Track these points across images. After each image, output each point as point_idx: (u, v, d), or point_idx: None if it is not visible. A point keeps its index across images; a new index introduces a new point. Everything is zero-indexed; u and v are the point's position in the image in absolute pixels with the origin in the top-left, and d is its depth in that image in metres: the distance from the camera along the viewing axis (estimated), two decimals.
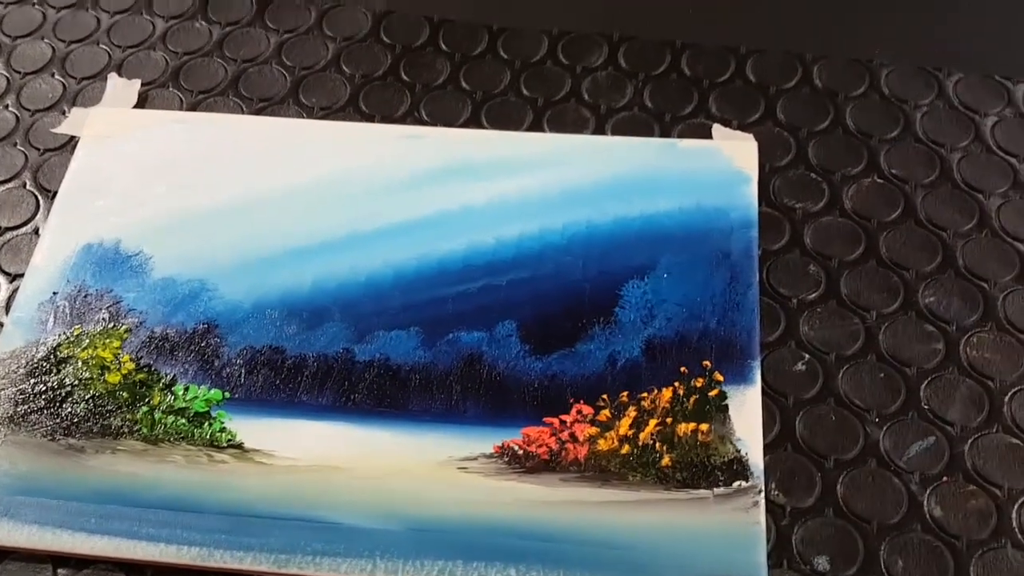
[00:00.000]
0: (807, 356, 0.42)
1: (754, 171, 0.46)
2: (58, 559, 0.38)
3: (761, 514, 0.37)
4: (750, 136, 0.48)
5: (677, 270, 0.43)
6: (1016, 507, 0.38)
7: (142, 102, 0.51)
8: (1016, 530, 0.38)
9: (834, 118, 0.49)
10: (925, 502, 0.38)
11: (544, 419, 0.40)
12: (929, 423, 0.40)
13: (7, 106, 0.51)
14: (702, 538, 0.37)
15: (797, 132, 0.48)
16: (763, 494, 0.38)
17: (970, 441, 0.40)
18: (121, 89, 0.51)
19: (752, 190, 0.45)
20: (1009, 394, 0.41)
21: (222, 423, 0.40)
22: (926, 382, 0.41)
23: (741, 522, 0.37)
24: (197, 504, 0.38)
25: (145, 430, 0.40)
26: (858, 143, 0.48)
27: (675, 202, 0.45)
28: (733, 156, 0.46)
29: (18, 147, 0.50)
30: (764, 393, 0.40)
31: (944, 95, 0.49)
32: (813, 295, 0.43)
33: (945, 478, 0.39)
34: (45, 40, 0.53)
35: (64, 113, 0.50)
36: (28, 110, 0.51)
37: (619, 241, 0.44)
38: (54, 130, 0.50)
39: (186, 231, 0.45)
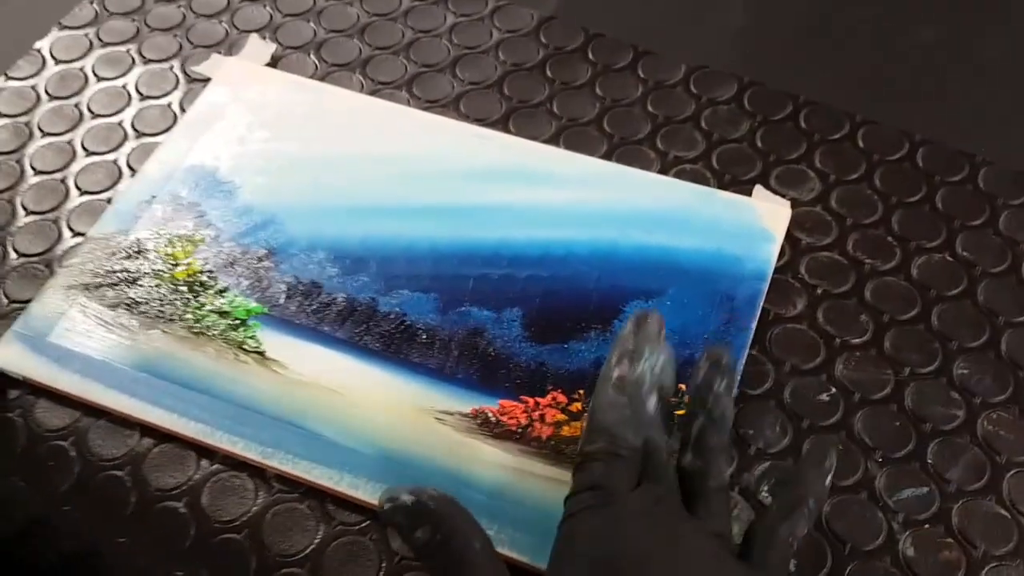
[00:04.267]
0: (833, 390, 0.45)
1: (780, 234, 0.49)
2: (88, 407, 0.45)
3: None
4: (787, 203, 0.51)
5: (681, 301, 0.47)
6: (985, 570, 0.40)
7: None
8: None
9: (925, 195, 0.52)
10: (901, 541, 0.41)
11: (522, 397, 0.44)
12: (928, 476, 0.42)
13: (176, 36, 0.61)
14: None
15: (887, 199, 0.52)
16: None
17: (962, 502, 0.42)
18: (258, 48, 0.59)
19: (772, 249, 0.49)
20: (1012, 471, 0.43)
21: (254, 332, 0.46)
22: (937, 440, 0.43)
23: None
24: (213, 390, 0.44)
25: (192, 321, 0.47)
26: (940, 221, 0.51)
27: (698, 242, 0.49)
28: (764, 216, 0.50)
29: (174, 71, 0.59)
30: (783, 410, 0.44)
31: None
32: (857, 340, 0.47)
33: (927, 526, 0.41)
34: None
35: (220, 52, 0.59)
36: (191, 43, 0.60)
37: (636, 265, 0.48)
38: (193, 68, 0.58)
39: (273, 173, 0.52)
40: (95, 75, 0.59)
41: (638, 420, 0.36)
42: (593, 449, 0.35)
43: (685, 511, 0.35)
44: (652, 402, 0.37)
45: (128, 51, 0.60)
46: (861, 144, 0.54)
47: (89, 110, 0.57)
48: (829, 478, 0.36)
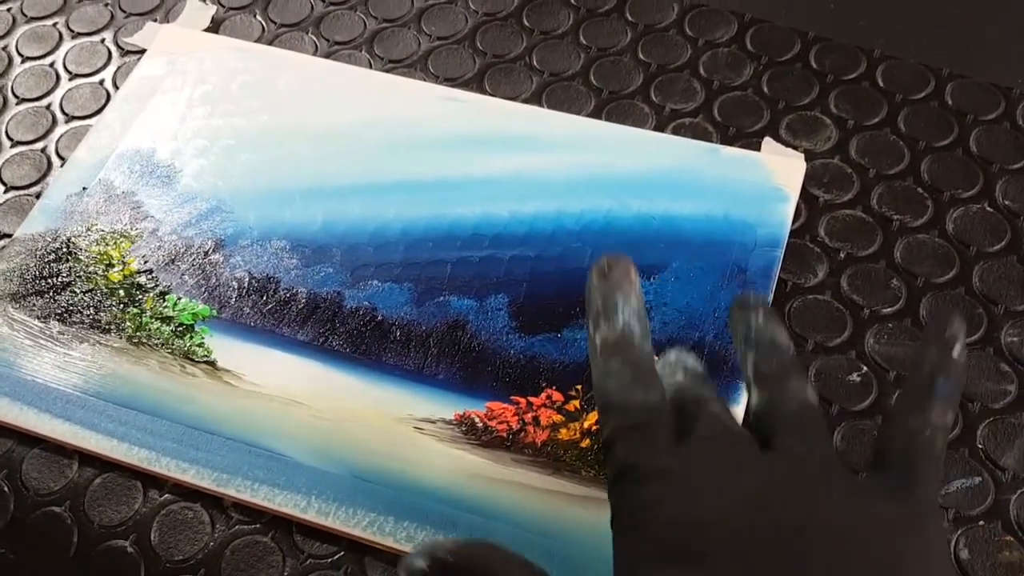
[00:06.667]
0: (864, 368, 0.40)
1: (795, 192, 0.44)
2: (20, 434, 0.39)
3: None
4: (801, 156, 0.45)
5: (686, 276, 0.41)
6: None
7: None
8: None
9: (957, 137, 0.46)
10: (954, 542, 0.36)
11: (512, 397, 0.39)
12: (979, 463, 0.37)
13: (106, 5, 0.54)
14: None
15: (914, 145, 0.46)
16: None
17: (1020, 491, 0.37)
18: (197, 12, 0.53)
19: (787, 210, 0.43)
20: None
21: (202, 339, 0.41)
22: (987, 421, 0.38)
23: None
24: (158, 409, 0.39)
25: (131, 330, 0.41)
26: (976, 167, 0.45)
27: (702, 208, 0.43)
28: (776, 172, 0.44)
29: (105, 44, 0.52)
30: None
31: None
32: (888, 310, 0.41)
33: (982, 522, 0.36)
34: None
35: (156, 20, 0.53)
36: (124, 11, 0.54)
37: (634, 237, 0.43)
38: (126, 39, 0.52)
39: (217, 153, 0.46)
40: (20, 54, 0.53)
41: (644, 375, 0.29)
42: (608, 433, 0.29)
43: (755, 447, 0.28)
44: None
45: (55, 25, 0.54)
46: (881, 83, 0.48)
47: (14, 94, 0.51)
48: (959, 348, 0.28)
